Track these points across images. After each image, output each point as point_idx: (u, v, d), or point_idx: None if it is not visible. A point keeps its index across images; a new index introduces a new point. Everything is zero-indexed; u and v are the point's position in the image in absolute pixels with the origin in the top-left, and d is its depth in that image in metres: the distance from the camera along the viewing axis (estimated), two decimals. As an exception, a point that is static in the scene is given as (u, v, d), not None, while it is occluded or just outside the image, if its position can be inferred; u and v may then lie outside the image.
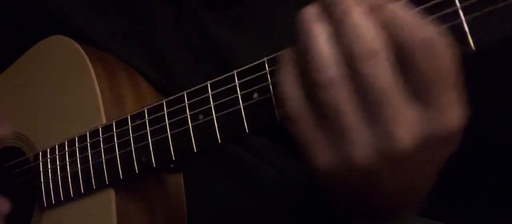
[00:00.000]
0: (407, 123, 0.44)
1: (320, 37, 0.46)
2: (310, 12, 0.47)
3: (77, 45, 0.72)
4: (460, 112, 0.44)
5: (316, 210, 0.76)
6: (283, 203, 0.75)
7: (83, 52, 0.71)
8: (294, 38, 0.48)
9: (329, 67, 0.45)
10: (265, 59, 0.53)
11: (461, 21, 0.45)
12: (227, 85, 0.56)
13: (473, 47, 0.45)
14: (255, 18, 0.71)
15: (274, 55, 0.52)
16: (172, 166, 0.65)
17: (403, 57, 0.44)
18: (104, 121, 0.67)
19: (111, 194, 0.66)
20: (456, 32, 0.45)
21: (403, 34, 0.44)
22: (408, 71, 0.44)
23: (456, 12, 0.45)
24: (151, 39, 0.75)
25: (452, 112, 0.44)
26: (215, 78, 0.57)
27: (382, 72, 0.44)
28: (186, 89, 0.59)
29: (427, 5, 0.46)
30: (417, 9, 0.45)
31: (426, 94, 0.44)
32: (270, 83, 0.53)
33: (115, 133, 0.65)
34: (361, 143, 0.45)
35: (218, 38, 0.72)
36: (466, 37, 0.45)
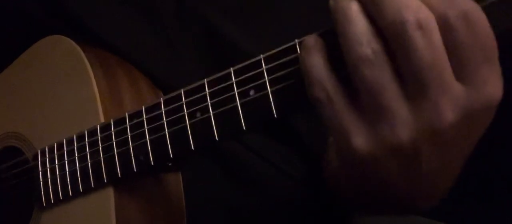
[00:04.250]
0: (453, 98, 0.43)
1: (358, 12, 0.44)
2: None
3: (75, 45, 0.72)
4: (499, 85, 0.44)
5: (316, 209, 0.76)
6: (283, 202, 0.75)
7: (81, 51, 0.71)
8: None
9: (369, 41, 0.43)
10: (261, 56, 0.53)
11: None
12: (224, 83, 0.56)
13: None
14: (257, 8, 0.71)
15: (271, 52, 0.52)
16: (170, 164, 0.65)
17: (445, 30, 0.42)
18: (102, 121, 0.67)
19: (110, 193, 0.66)
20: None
21: (445, 5, 0.42)
22: (451, 44, 0.42)
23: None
24: (154, 28, 0.75)
25: (491, 85, 0.43)
26: (215, 70, 0.57)
27: (431, 45, 0.42)
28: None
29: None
30: None
31: (467, 68, 0.43)
32: (266, 80, 0.53)
33: (113, 132, 0.65)
34: (403, 120, 0.43)
35: (220, 29, 0.72)
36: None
